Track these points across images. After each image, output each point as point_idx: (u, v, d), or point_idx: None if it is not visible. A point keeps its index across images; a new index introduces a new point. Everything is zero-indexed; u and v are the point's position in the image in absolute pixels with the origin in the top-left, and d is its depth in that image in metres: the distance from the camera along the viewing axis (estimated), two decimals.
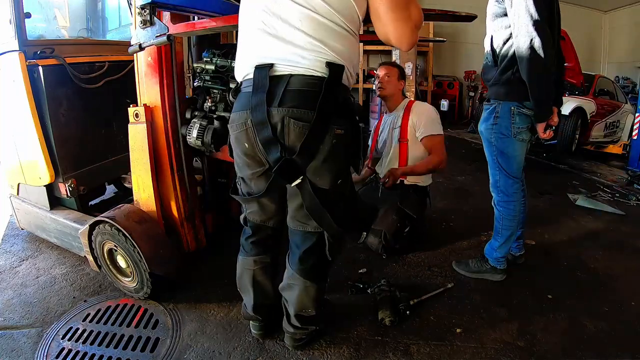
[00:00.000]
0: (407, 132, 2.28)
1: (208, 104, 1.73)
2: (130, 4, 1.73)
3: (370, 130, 2.70)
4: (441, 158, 2.26)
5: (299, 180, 1.18)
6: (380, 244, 2.15)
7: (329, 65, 1.11)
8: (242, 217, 1.45)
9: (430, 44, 7.01)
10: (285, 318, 1.49)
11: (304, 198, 1.22)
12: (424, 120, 2.26)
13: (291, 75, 1.11)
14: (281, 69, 1.12)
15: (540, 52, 1.53)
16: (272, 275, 1.49)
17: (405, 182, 2.28)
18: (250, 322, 1.59)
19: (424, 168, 2.26)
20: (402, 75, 2.39)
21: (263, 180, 1.26)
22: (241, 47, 1.23)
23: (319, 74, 1.11)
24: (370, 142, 2.56)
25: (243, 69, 1.21)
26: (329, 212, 1.22)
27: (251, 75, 1.16)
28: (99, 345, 1.54)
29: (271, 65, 1.12)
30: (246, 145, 1.21)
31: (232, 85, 1.68)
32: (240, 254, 1.49)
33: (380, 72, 2.37)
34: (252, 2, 1.17)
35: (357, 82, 6.67)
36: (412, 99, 2.49)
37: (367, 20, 1.19)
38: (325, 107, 1.11)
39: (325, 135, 1.14)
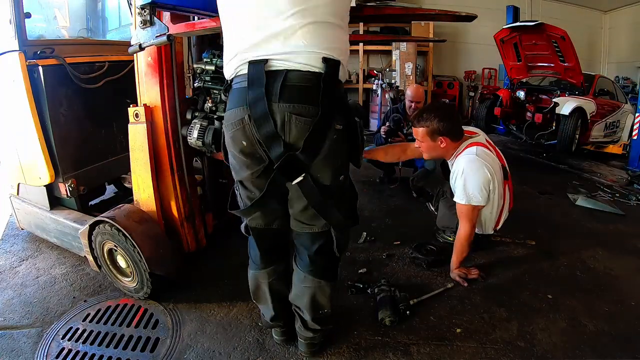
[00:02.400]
0: None
1: (208, 104, 1.73)
2: (130, 4, 1.73)
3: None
4: (464, 230, 1.93)
5: (300, 178, 1.15)
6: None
7: (326, 60, 1.09)
8: (242, 227, 1.39)
9: (430, 44, 7.01)
10: (300, 325, 1.45)
11: (308, 196, 1.20)
12: (454, 179, 1.97)
13: (287, 71, 1.08)
14: (277, 65, 1.09)
15: None
16: (288, 280, 1.44)
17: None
18: (272, 329, 1.57)
19: (458, 252, 1.96)
20: (438, 131, 1.89)
21: (264, 180, 1.21)
22: (230, 42, 1.16)
23: (316, 70, 1.10)
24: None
25: (234, 65, 1.16)
26: (333, 207, 1.22)
27: (244, 71, 1.12)
28: (99, 345, 1.54)
29: (266, 61, 1.09)
30: (244, 143, 1.16)
31: None
32: (250, 268, 1.44)
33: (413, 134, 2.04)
34: None
35: (358, 82, 6.67)
36: (472, 140, 1.99)
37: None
38: (326, 102, 1.10)
39: (327, 131, 1.14)
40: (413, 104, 3.13)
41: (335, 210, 1.23)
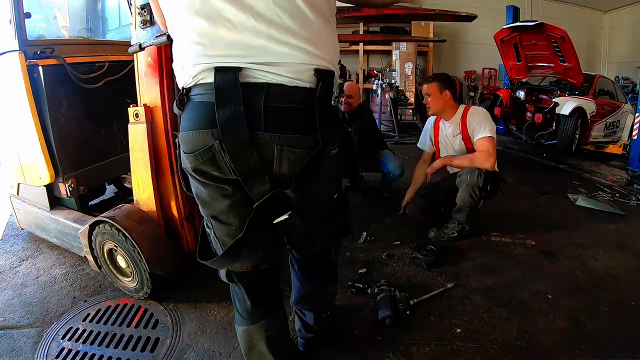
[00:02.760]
0: (470, 141, 2.39)
1: None
2: (130, 4, 1.72)
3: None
4: (484, 155, 2.27)
5: (285, 216, 0.93)
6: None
7: (319, 73, 0.87)
8: (222, 273, 1.08)
9: (430, 44, 7.02)
10: (301, 326, 1.41)
11: (291, 230, 1.08)
12: (475, 125, 2.35)
13: (269, 85, 0.84)
14: (256, 75, 0.84)
15: None
16: (287, 324, 1.25)
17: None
18: None
19: (463, 160, 2.33)
20: (444, 85, 2.40)
21: (246, 208, 0.92)
22: (187, 38, 0.87)
23: (306, 85, 0.87)
24: (431, 146, 2.68)
25: (191, 69, 0.88)
26: (327, 228, 1.14)
27: (208, 79, 0.86)
28: (99, 345, 1.54)
29: (239, 69, 0.83)
30: (215, 173, 0.90)
31: None
32: (238, 323, 1.13)
33: (423, 92, 2.46)
34: None
35: (358, 82, 6.68)
36: (467, 105, 2.53)
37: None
38: (325, 130, 0.89)
39: (323, 160, 0.93)
40: (344, 98, 3.08)
41: (325, 235, 1.14)
